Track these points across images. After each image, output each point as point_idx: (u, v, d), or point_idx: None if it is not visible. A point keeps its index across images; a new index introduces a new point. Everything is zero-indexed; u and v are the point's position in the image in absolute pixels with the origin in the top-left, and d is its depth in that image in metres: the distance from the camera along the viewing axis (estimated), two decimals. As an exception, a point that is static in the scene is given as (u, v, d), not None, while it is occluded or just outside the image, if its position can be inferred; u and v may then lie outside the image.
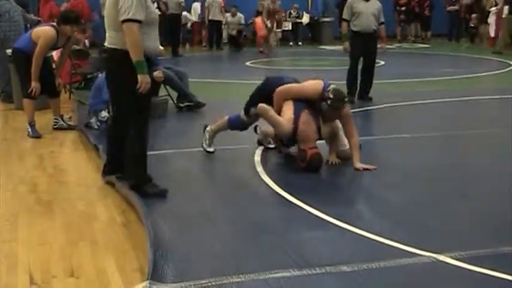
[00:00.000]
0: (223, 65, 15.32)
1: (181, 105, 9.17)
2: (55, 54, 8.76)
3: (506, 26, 17.93)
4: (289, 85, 6.12)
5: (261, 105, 6.00)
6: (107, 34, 5.18)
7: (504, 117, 8.58)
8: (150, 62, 5.24)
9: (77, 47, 11.38)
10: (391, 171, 6.03)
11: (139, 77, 4.96)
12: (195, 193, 5.29)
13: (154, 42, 5.22)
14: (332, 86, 6.03)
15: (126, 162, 5.31)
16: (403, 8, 21.62)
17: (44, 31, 7.67)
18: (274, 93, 6.04)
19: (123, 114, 5.28)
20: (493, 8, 19.17)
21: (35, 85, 7.58)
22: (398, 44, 20.54)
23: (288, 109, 5.88)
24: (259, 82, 6.55)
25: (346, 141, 6.08)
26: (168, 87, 9.28)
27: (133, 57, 4.94)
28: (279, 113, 5.91)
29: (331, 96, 5.86)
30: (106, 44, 5.20)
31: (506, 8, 18.10)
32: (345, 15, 9.88)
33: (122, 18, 4.93)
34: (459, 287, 3.67)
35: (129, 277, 3.84)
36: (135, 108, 5.14)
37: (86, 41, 13.52)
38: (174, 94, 9.30)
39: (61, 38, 7.67)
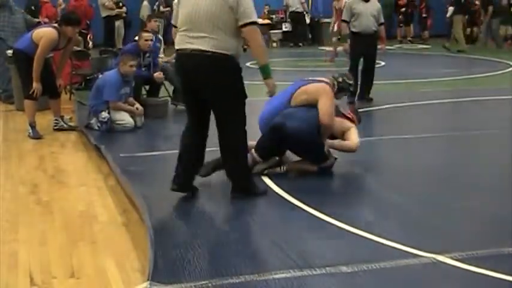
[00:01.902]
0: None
1: (176, 103, 9.11)
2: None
3: (457, 25, 18.81)
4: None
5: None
6: (192, 35, 4.76)
7: (504, 118, 8.59)
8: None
9: (77, 48, 11.40)
10: (391, 172, 6.04)
11: (268, 81, 4.93)
12: (195, 193, 5.29)
13: None
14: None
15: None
16: (403, 9, 21.63)
17: (45, 32, 7.68)
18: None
19: (223, 120, 4.93)
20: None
21: (36, 86, 7.59)
22: (398, 45, 20.54)
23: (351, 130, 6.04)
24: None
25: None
26: (166, 86, 9.31)
27: (262, 61, 4.85)
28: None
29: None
30: (201, 47, 4.73)
31: (450, 9, 18.91)
32: (345, 17, 9.89)
33: (245, 21, 4.70)
34: (459, 288, 3.68)
35: (129, 278, 3.84)
36: (240, 113, 4.94)
37: (90, 42, 13.53)
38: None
39: (62, 39, 7.68)
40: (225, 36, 4.69)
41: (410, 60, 17.11)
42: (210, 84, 4.81)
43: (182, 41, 4.84)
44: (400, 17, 21.72)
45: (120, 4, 17.11)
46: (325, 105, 5.67)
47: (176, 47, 4.93)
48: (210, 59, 4.72)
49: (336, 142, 5.92)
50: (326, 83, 5.91)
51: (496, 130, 7.74)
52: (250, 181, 5.15)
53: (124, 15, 17.15)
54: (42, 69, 7.61)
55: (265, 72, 4.87)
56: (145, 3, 18.59)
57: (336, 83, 6.00)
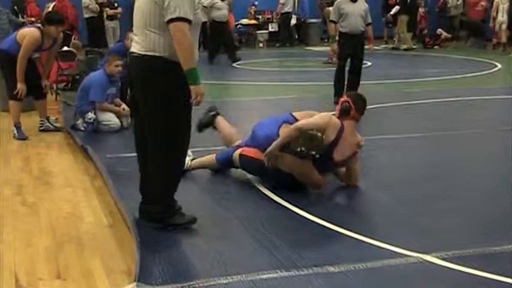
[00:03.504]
0: (209, 66, 15.27)
1: None
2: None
3: (402, 25, 19.37)
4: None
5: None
6: (135, 38, 4.32)
7: (491, 118, 8.64)
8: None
9: (65, 48, 11.37)
10: (377, 172, 6.05)
11: (192, 87, 4.13)
12: (183, 194, 5.27)
13: (195, 52, 4.27)
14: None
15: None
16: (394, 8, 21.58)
17: (28, 32, 7.64)
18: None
19: (154, 136, 4.38)
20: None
21: (20, 87, 7.55)
22: (385, 45, 20.59)
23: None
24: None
25: None
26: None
27: (185, 64, 4.09)
28: None
29: None
30: (136, 49, 4.27)
31: (396, 8, 19.37)
32: (333, 17, 9.90)
33: (169, 17, 4.06)
34: (446, 287, 3.68)
35: (116, 279, 3.82)
36: (174, 130, 4.33)
37: (79, 43, 13.49)
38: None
39: (47, 40, 7.63)
40: (154, 36, 4.15)
41: (397, 61, 17.17)
42: (138, 90, 4.35)
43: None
44: (389, 16, 21.70)
45: (116, 5, 16.96)
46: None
47: None
48: (138, 62, 4.26)
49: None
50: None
51: (482, 130, 7.78)
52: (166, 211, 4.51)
53: (119, 15, 17.00)
54: (27, 70, 7.57)
55: (190, 78, 4.13)
56: None
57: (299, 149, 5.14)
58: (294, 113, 5.53)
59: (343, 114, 5.30)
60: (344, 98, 5.48)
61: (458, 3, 20.98)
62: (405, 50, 19.12)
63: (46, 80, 8.14)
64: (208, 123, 6.14)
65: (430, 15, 21.43)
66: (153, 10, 4.13)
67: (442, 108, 9.68)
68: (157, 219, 4.47)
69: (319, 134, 5.04)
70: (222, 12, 15.71)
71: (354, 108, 5.28)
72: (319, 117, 5.28)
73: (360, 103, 5.40)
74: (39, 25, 7.86)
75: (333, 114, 5.36)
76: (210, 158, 5.82)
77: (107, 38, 16.64)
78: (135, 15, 4.30)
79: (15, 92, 7.60)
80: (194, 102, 4.20)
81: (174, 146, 4.37)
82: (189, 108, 4.29)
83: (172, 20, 4.06)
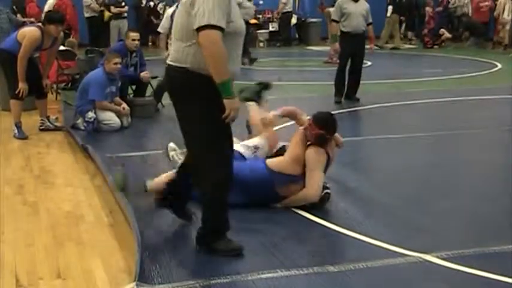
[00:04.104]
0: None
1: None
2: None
3: (389, 24, 19.52)
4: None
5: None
6: (172, 48, 4.04)
7: (490, 117, 8.64)
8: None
9: (62, 48, 11.35)
10: (378, 171, 6.05)
11: (225, 101, 3.75)
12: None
13: (234, 63, 3.90)
14: None
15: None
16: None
17: (29, 31, 7.64)
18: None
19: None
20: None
21: (22, 86, 7.55)
22: (385, 45, 20.56)
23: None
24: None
25: None
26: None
27: (217, 77, 3.70)
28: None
29: None
30: (169, 60, 3.97)
31: (390, 8, 19.39)
32: (335, 16, 9.90)
33: (198, 24, 3.69)
34: (446, 287, 3.68)
35: (116, 278, 3.83)
36: (208, 148, 3.93)
37: (75, 41, 13.46)
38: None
39: (47, 39, 7.63)
40: (183, 46, 3.85)
41: (397, 60, 17.16)
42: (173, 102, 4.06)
43: None
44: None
45: (123, 4, 16.85)
46: None
47: None
48: (167, 73, 4.03)
49: (287, 201, 4.96)
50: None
51: (483, 129, 7.78)
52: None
53: (125, 14, 16.91)
54: (28, 69, 7.57)
55: (222, 91, 3.75)
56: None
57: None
58: (267, 161, 5.14)
59: (322, 144, 5.01)
60: (315, 129, 4.95)
61: (466, 1, 20.95)
62: (391, 49, 19.42)
63: (47, 80, 8.14)
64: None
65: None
66: (184, 19, 3.84)
67: (442, 108, 9.68)
68: (199, 241, 4.16)
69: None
70: (247, 11, 15.69)
71: (329, 134, 5.03)
72: (315, 163, 4.94)
73: (331, 127, 5.05)
74: (39, 24, 7.86)
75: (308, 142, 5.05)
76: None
77: (110, 38, 16.50)
78: (174, 26, 4.00)
79: (16, 92, 7.60)
80: (228, 119, 3.81)
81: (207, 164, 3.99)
82: (217, 124, 3.87)
83: (201, 28, 3.69)
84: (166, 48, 9.03)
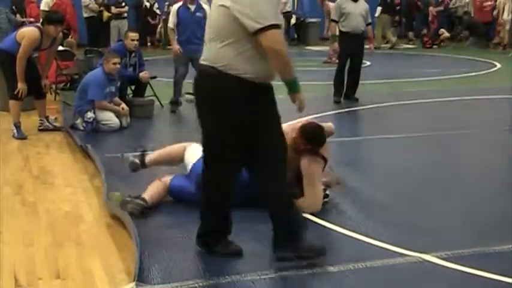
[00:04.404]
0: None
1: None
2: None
3: (379, 25, 19.47)
4: None
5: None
6: (205, 47, 3.81)
7: (489, 117, 8.64)
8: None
9: (61, 48, 11.35)
10: (378, 171, 6.05)
11: (298, 95, 3.78)
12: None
13: (266, 64, 3.70)
14: None
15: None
16: (397, 8, 21.47)
17: (28, 32, 7.63)
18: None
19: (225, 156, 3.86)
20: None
21: (21, 86, 7.54)
22: (384, 45, 20.56)
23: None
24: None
25: None
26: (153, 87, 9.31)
27: (289, 74, 3.70)
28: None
29: None
30: (202, 60, 3.79)
31: (379, 9, 19.41)
32: (334, 16, 9.91)
33: (257, 26, 3.52)
34: (445, 287, 3.68)
35: (115, 279, 3.82)
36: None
37: (74, 41, 13.48)
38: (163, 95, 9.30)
39: (46, 39, 7.63)
40: (216, 45, 3.69)
41: (396, 60, 17.17)
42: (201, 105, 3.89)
43: None
44: (396, 17, 21.62)
45: (123, 4, 16.80)
46: None
47: None
48: (199, 73, 3.89)
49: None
50: None
51: (482, 129, 7.78)
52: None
53: (125, 14, 16.86)
54: (27, 70, 7.56)
55: (295, 87, 3.79)
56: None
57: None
58: None
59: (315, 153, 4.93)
60: (303, 144, 4.84)
61: (467, 1, 20.93)
62: (376, 48, 19.25)
63: (45, 80, 8.13)
64: (136, 167, 5.35)
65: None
66: (221, 18, 3.66)
67: (442, 107, 9.68)
68: (199, 242, 4.10)
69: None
70: None
71: (319, 147, 4.91)
72: (312, 177, 4.83)
73: (320, 141, 4.94)
74: (38, 25, 7.86)
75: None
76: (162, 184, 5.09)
77: (110, 38, 16.46)
78: (209, 26, 3.82)
79: (15, 92, 7.59)
80: (298, 108, 3.81)
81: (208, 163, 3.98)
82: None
83: (263, 30, 3.52)
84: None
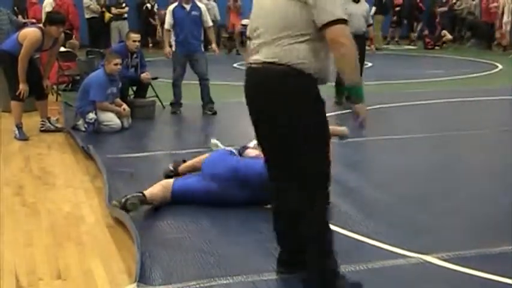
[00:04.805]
0: (210, 66, 15.24)
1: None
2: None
3: (376, 25, 19.22)
4: None
5: None
6: (263, 46, 3.37)
7: (492, 118, 8.64)
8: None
9: (63, 49, 11.36)
10: (379, 172, 6.05)
11: (359, 107, 3.39)
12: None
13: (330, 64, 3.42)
14: None
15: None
16: (398, 8, 21.47)
17: (29, 32, 7.64)
18: None
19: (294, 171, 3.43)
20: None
21: (22, 87, 7.55)
22: (385, 46, 20.58)
23: None
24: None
25: None
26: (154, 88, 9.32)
27: (356, 78, 3.34)
28: None
29: None
30: (264, 58, 3.34)
31: (373, 9, 19.17)
32: None
33: (327, 18, 3.20)
34: (446, 288, 3.68)
35: (116, 279, 3.82)
36: (319, 164, 3.45)
37: (77, 42, 13.50)
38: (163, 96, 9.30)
39: (47, 40, 7.64)
40: (284, 41, 3.30)
41: (398, 61, 17.17)
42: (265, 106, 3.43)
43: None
44: (395, 17, 21.62)
45: (123, 5, 16.78)
46: None
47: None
48: (260, 74, 3.42)
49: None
50: None
51: (483, 130, 7.78)
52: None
53: (125, 15, 16.84)
54: (29, 70, 7.57)
55: (360, 95, 3.40)
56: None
57: None
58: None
59: None
60: None
61: (474, 2, 20.91)
62: (377, 49, 19.39)
63: (47, 81, 8.14)
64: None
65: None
66: (290, 9, 3.28)
67: (443, 108, 9.68)
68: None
69: None
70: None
71: None
72: None
73: None
74: (40, 25, 7.86)
75: None
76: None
77: (111, 39, 16.44)
78: (264, 18, 3.40)
79: (17, 93, 7.60)
80: (359, 124, 3.43)
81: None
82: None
83: (332, 23, 3.22)
84: (170, 45, 9.08)
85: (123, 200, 4.78)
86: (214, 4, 18.39)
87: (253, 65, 3.41)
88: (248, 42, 3.69)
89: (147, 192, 4.90)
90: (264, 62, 3.34)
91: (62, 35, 7.99)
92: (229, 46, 19.45)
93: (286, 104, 3.30)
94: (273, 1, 3.35)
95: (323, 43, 3.30)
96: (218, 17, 20.36)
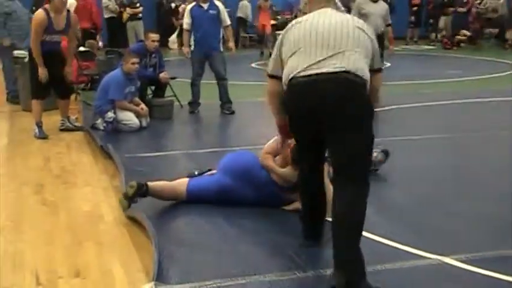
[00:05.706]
0: (227, 66, 15.27)
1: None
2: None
3: None
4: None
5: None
6: (341, 54, 3.67)
7: (509, 119, 8.57)
8: None
9: (82, 49, 11.43)
10: (396, 173, 6.02)
11: None
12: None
13: None
14: None
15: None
16: (415, 9, 21.34)
17: (34, 15, 7.66)
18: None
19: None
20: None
21: (41, 71, 7.54)
22: (404, 46, 20.48)
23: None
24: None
25: None
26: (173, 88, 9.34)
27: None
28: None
29: None
30: (354, 70, 3.65)
31: None
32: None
33: (379, 66, 4.05)
34: (464, 290, 3.67)
35: (134, 278, 3.85)
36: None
37: (100, 43, 13.61)
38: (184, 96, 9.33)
39: (56, 18, 7.55)
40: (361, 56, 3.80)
41: (416, 62, 17.07)
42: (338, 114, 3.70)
43: None
44: (412, 17, 21.49)
45: (138, 4, 16.81)
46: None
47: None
48: (341, 83, 3.70)
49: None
50: None
51: (501, 131, 7.72)
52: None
53: (140, 15, 16.88)
54: (53, 69, 7.56)
55: None
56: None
57: None
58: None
59: None
60: None
61: (501, 2, 20.71)
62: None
63: (69, 68, 8.02)
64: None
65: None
66: (363, 40, 3.78)
67: (462, 109, 9.62)
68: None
69: None
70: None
71: None
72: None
73: None
74: (45, 6, 7.72)
75: None
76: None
77: (128, 39, 16.48)
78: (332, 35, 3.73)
79: (37, 77, 7.57)
80: None
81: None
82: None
83: (380, 70, 4.03)
84: (189, 45, 9.11)
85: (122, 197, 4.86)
86: (248, 4, 18.39)
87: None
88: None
89: (151, 183, 4.92)
90: (340, 72, 3.67)
91: (79, 33, 7.95)
92: (260, 48, 18.68)
93: (364, 114, 3.79)
94: (350, 28, 3.82)
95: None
96: (250, 16, 20.28)
